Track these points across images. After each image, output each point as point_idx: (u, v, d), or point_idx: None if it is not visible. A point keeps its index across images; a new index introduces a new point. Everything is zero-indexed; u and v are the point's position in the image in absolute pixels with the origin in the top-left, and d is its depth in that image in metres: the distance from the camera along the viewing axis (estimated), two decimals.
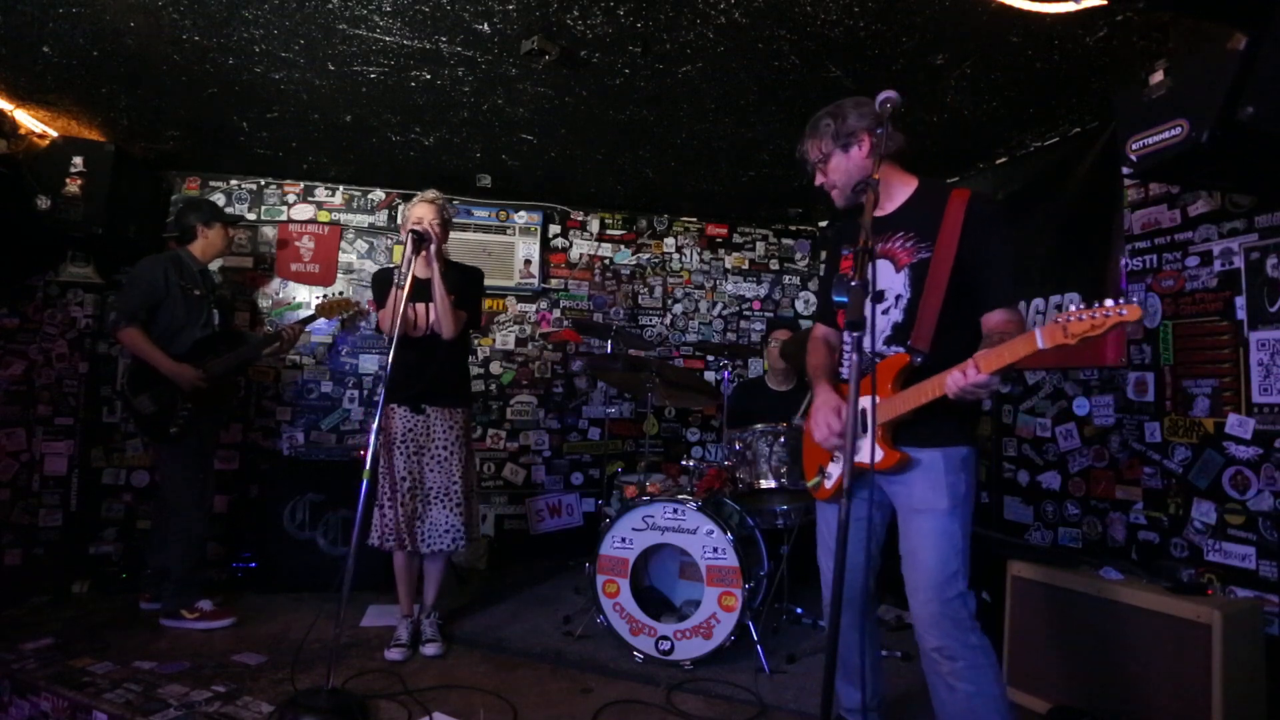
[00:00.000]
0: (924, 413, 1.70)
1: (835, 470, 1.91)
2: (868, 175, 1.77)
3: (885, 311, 1.83)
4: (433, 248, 2.67)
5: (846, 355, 1.93)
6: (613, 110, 3.11)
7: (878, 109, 1.64)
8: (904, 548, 1.79)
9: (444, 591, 3.02)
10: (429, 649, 2.79)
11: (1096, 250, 3.01)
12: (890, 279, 1.83)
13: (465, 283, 2.90)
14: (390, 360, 2.43)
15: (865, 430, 1.72)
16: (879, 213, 1.87)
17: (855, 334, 1.46)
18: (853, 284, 1.43)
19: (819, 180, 1.92)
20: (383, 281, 2.85)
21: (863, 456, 1.73)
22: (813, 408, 1.92)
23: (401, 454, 2.78)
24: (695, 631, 2.71)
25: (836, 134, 1.84)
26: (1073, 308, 1.45)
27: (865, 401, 1.72)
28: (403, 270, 2.50)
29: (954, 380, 1.58)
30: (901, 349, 1.78)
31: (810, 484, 2.00)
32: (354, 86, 2.93)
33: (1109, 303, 1.40)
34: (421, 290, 2.74)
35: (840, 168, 1.86)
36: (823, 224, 4.90)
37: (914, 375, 1.73)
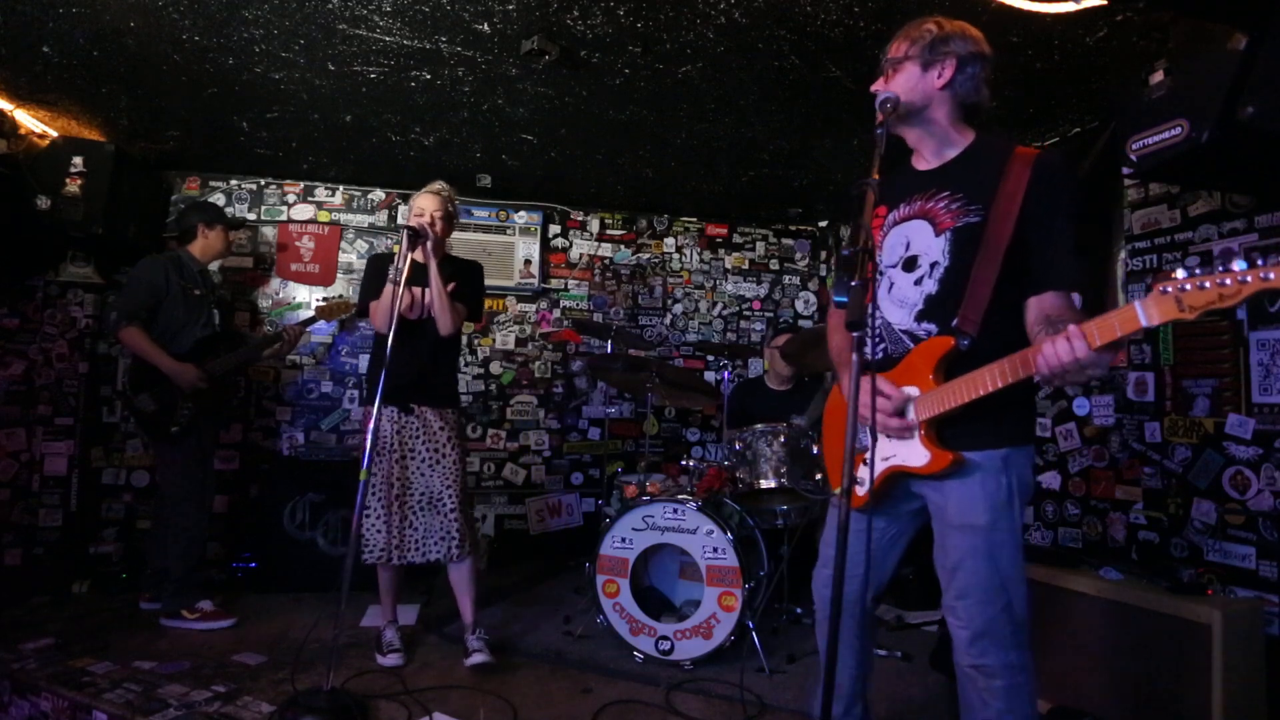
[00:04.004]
0: (962, 408, 1.49)
1: (868, 474, 1.61)
2: (926, 106, 1.58)
3: (917, 282, 1.58)
4: (429, 245, 2.55)
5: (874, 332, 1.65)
6: (613, 110, 3.11)
7: (877, 109, 1.55)
8: (940, 563, 1.60)
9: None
10: (474, 658, 2.62)
11: (1097, 250, 3.01)
12: (926, 243, 1.58)
13: (464, 276, 2.75)
14: (386, 354, 2.34)
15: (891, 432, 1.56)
16: (923, 166, 1.68)
17: (856, 335, 1.29)
18: (853, 283, 1.24)
19: (878, 85, 1.62)
20: (377, 268, 2.71)
21: (902, 459, 1.55)
22: (844, 389, 1.71)
23: (389, 459, 2.64)
24: (695, 631, 2.71)
25: (930, 45, 1.57)
26: (1181, 273, 1.15)
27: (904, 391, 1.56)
28: (398, 266, 2.41)
29: (1054, 354, 1.29)
30: (935, 327, 1.55)
31: (839, 491, 1.79)
32: (354, 86, 2.93)
33: (1238, 265, 1.10)
34: (419, 274, 2.61)
35: (907, 83, 1.58)
36: (823, 224, 4.90)
37: (957, 362, 1.50)
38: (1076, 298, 1.50)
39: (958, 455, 1.50)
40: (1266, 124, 1.85)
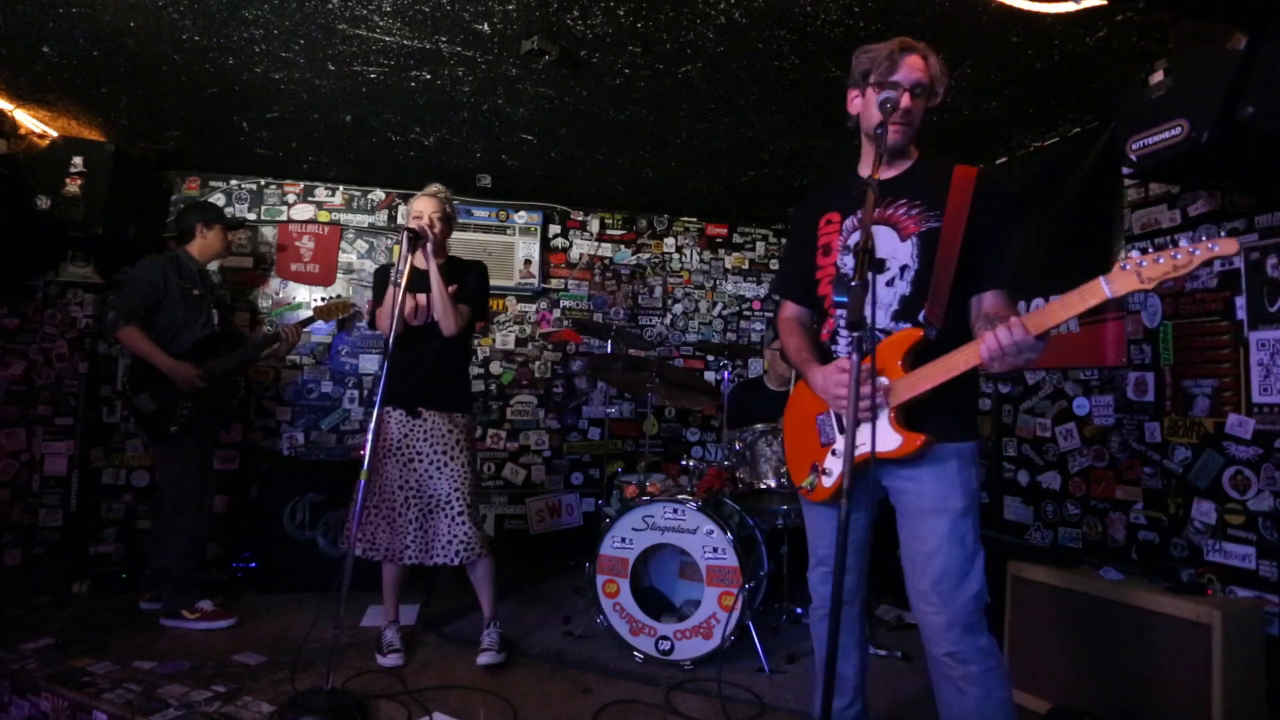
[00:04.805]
0: (933, 404, 1.59)
1: (835, 466, 1.73)
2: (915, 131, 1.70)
3: (890, 283, 1.68)
4: (429, 246, 2.59)
5: (842, 335, 1.76)
6: (613, 110, 3.11)
7: (877, 109, 1.61)
8: (910, 551, 1.66)
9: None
10: (483, 658, 2.66)
11: (1096, 250, 3.01)
12: (892, 247, 1.69)
13: (468, 276, 2.78)
14: (388, 359, 2.37)
15: (877, 415, 1.60)
16: (878, 177, 1.76)
17: (855, 334, 1.38)
18: (853, 284, 1.35)
19: (903, 101, 1.63)
20: (383, 278, 2.78)
21: (871, 445, 1.59)
22: (815, 384, 1.74)
23: (396, 461, 2.66)
24: (695, 631, 2.71)
25: (941, 87, 1.70)
26: (1135, 253, 1.33)
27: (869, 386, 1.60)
28: (399, 269, 2.45)
29: (997, 339, 1.43)
30: (909, 325, 1.66)
31: (805, 484, 1.80)
32: (354, 86, 2.93)
33: (1183, 241, 1.28)
34: (421, 280, 2.66)
35: (920, 116, 1.70)
36: None
37: (924, 352, 1.60)
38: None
39: (928, 437, 1.59)
40: (1266, 124, 1.85)
